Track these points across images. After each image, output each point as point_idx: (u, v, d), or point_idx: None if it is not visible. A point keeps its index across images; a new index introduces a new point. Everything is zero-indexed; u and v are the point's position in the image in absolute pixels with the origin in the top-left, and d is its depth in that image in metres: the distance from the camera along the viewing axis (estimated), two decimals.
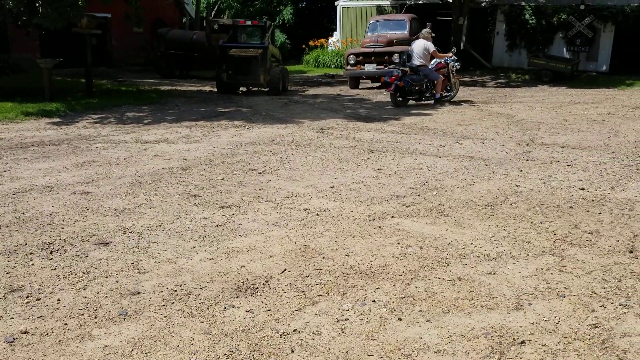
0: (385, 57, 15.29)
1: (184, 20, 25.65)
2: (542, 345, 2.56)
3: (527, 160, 6.37)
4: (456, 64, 11.76)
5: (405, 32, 15.96)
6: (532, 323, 2.77)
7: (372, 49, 15.61)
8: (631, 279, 3.24)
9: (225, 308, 2.95)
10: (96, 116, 10.03)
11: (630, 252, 3.65)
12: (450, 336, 2.66)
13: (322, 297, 3.08)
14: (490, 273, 3.37)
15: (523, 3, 18.93)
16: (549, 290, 3.13)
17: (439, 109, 10.94)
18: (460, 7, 18.29)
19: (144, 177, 5.69)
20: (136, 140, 7.78)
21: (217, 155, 6.76)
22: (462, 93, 14.32)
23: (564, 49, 18.18)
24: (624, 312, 2.86)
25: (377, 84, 16.71)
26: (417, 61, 11.37)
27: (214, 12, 27.98)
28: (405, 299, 3.05)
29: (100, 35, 17.18)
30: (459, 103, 11.85)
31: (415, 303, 3.00)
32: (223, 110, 11.02)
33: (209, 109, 11.20)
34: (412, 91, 11.27)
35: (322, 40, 25.27)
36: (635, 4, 17.00)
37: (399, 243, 3.89)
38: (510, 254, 3.67)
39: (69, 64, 15.29)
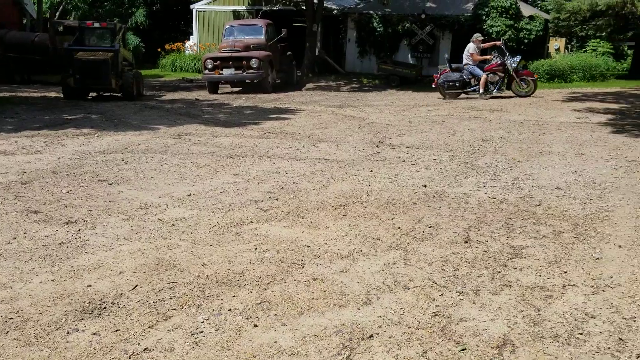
0: (243, 62, 15.28)
1: (24, 21, 23.53)
2: (389, 337, 2.72)
3: (377, 160, 6.73)
4: (513, 60, 13.29)
5: (261, 38, 16.07)
6: (380, 317, 2.93)
7: (230, 54, 15.51)
8: (466, 267, 3.56)
9: (68, 333, 2.74)
10: None
11: (466, 242, 4.00)
12: (304, 337, 2.72)
13: (176, 311, 2.99)
14: (343, 271, 3.51)
15: (371, 12, 20.00)
16: (395, 283, 3.33)
17: (297, 113, 11.17)
18: (314, 15, 18.84)
19: None
20: None
21: (62, 167, 6.28)
22: (319, 97, 14.80)
23: (409, 55, 19.52)
24: (460, 299, 3.13)
25: (237, 89, 16.65)
26: (464, 60, 13.61)
27: (58, 13, 25.93)
28: (261, 305, 3.06)
29: None
30: (314, 109, 12.19)
31: (271, 308, 3.03)
32: (70, 117, 10.27)
33: (53, 116, 10.37)
34: (448, 86, 13.56)
35: (179, 43, 24.60)
36: (469, 14, 18.74)
37: (256, 248, 3.90)
38: (361, 251, 3.85)
39: None
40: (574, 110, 11.33)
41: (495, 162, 6.58)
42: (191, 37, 24.31)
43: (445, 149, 7.44)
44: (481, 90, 13.27)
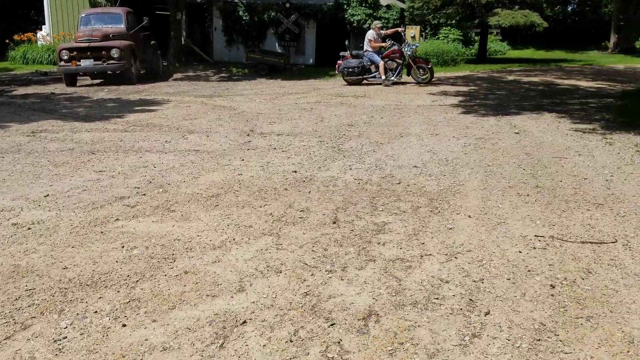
0: (103, 52, 14.42)
1: None
2: (262, 321, 2.78)
3: (248, 149, 6.75)
4: (408, 49, 13.58)
5: (121, 26, 15.26)
6: (253, 302, 2.97)
7: (87, 44, 14.56)
8: (335, 247, 3.72)
9: None
10: None
11: (334, 222, 4.18)
12: (177, 331, 2.69)
13: (36, 319, 2.80)
14: (216, 261, 3.51)
15: (236, 0, 19.80)
16: (268, 268, 3.40)
17: (164, 104, 10.81)
18: (177, 2, 18.25)
19: None
20: None
21: None
22: (187, 87, 14.42)
23: (276, 44, 19.66)
24: (330, 277, 3.27)
25: (98, 81, 15.70)
26: (364, 47, 13.96)
27: None
28: (130, 304, 2.97)
29: None
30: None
31: (141, 305, 2.95)
32: None
33: None
34: (348, 72, 13.91)
35: (30, 34, 22.53)
36: (331, 3, 19.26)
37: (123, 246, 3.76)
38: (234, 239, 3.86)
39: None
40: (430, 94, 12.15)
41: (360, 145, 6.89)
42: (43, 26, 22.41)
43: (314, 135, 7.64)
44: (383, 77, 13.60)
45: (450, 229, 4.00)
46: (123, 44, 14.68)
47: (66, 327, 2.73)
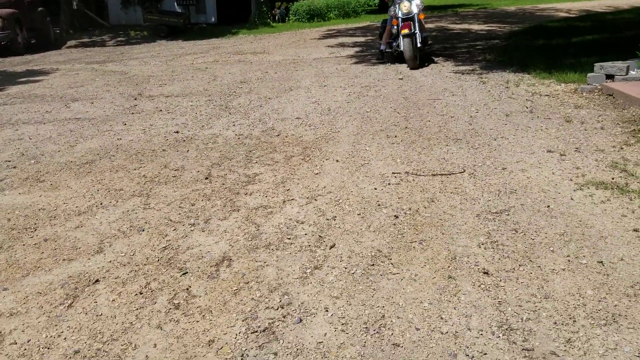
0: None
1: None
2: (115, 278, 2.83)
3: (133, 113, 6.61)
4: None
5: None
6: (110, 262, 3.01)
7: None
8: (202, 201, 3.79)
9: None
10: None
11: (206, 178, 4.24)
12: (27, 297, 2.70)
13: None
14: (78, 227, 3.49)
15: None
16: (131, 228, 3.43)
17: (52, 74, 10.28)
18: None
19: None
20: None
21: None
22: (80, 55, 13.74)
23: (175, 4, 18.95)
24: (192, 230, 3.35)
25: None
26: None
27: None
28: None
29: None
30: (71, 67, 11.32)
31: None
32: None
33: None
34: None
35: None
36: None
37: None
38: (101, 204, 3.85)
39: None
40: (328, 46, 12.24)
41: (248, 101, 6.92)
42: None
43: (204, 94, 7.57)
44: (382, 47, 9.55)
45: (317, 174, 4.17)
46: (6, 12, 13.72)
47: None
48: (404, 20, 8.39)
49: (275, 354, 2.17)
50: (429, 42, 9.39)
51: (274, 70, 9.22)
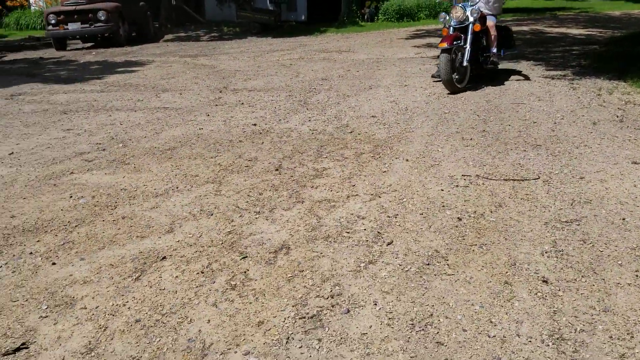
0: (90, 15, 14.48)
1: None
2: (181, 257, 2.99)
3: (216, 105, 6.89)
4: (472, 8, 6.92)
5: None
6: (178, 241, 3.18)
7: (74, 7, 14.61)
8: (270, 191, 3.90)
9: None
10: None
11: (276, 170, 4.35)
12: (100, 268, 2.92)
13: None
14: (154, 207, 3.71)
15: None
16: (201, 212, 3.60)
17: (147, 65, 10.91)
18: None
19: None
20: None
21: None
22: (175, 48, 14.45)
23: (268, 2, 19.45)
24: (256, 218, 3.46)
25: (89, 44, 15.80)
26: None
27: None
28: (64, 245, 3.19)
29: None
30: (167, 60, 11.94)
31: (74, 247, 3.17)
32: None
33: None
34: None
35: None
36: None
37: (71, 196, 3.97)
38: (177, 188, 4.06)
39: None
40: (414, 46, 12.10)
41: (327, 98, 7.00)
42: None
43: (285, 89, 7.74)
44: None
45: (385, 172, 4.16)
46: (110, 6, 14.69)
47: (1, 267, 2.96)
48: (455, 29, 6.89)
49: (320, 340, 2.21)
50: (496, 60, 7.28)
51: (356, 69, 9.25)
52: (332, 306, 2.43)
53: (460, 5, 6.86)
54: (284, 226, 3.31)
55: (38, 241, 3.27)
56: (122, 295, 2.64)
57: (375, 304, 2.42)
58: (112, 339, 2.30)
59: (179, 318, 2.42)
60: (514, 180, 3.83)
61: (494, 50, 7.22)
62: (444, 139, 4.94)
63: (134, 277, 2.80)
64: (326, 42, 13.73)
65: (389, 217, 3.34)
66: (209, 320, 2.39)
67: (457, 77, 6.81)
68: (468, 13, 6.82)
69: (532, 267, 2.63)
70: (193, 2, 21.00)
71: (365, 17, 19.16)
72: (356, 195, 3.73)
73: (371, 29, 16.96)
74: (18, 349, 2.24)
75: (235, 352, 2.18)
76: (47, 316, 2.48)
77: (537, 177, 3.86)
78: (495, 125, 5.28)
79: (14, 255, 3.10)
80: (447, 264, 2.73)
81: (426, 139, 4.97)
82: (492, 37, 7.17)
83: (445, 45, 6.61)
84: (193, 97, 7.45)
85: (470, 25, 6.82)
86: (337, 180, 4.03)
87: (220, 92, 7.79)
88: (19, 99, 7.78)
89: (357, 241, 3.05)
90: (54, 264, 2.98)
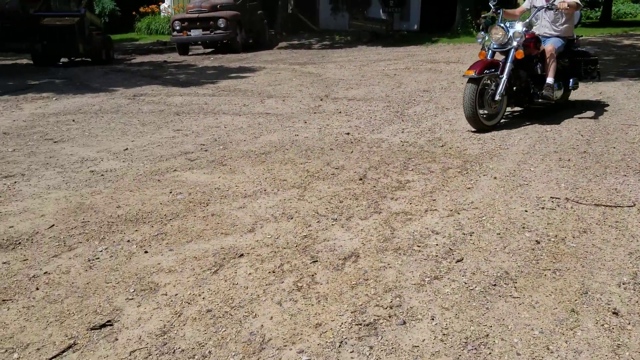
0: (210, 22, 15.48)
1: None
2: (257, 256, 3.18)
3: (315, 113, 7.12)
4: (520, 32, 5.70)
5: None
6: (257, 241, 3.38)
7: (197, 15, 15.69)
8: (350, 200, 4.00)
9: None
10: None
11: (360, 179, 4.44)
12: (185, 259, 3.18)
13: (81, 244, 3.43)
14: (241, 207, 3.95)
15: None
16: (283, 215, 3.78)
17: (257, 72, 11.47)
18: None
19: None
20: None
21: (15, 128, 6.66)
22: (286, 56, 15.02)
23: (381, 11, 19.60)
24: (332, 225, 3.58)
25: (210, 50, 16.87)
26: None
27: None
28: (157, 236, 3.51)
29: None
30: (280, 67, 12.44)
31: (165, 238, 3.48)
32: (33, 82, 10.56)
33: (17, 82, 10.66)
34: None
35: (154, 6, 24.58)
36: None
37: (171, 192, 4.33)
38: (265, 190, 4.29)
39: None
40: None
41: (425, 110, 6.97)
42: None
43: (384, 100, 7.81)
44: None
45: (469, 188, 4.10)
46: (229, 14, 15.61)
47: (101, 251, 3.33)
48: (495, 52, 5.82)
49: (371, 347, 2.27)
50: (550, 94, 5.88)
51: (460, 81, 9.09)
52: (390, 316, 2.48)
53: (502, 25, 5.65)
54: (358, 235, 3.39)
55: (136, 230, 3.61)
56: (200, 286, 2.86)
57: (433, 319, 2.44)
58: (184, 325, 2.52)
59: (245, 312, 2.59)
60: (606, 206, 3.62)
61: (550, 80, 5.88)
62: (540, 158, 4.75)
63: (213, 271, 3.02)
64: (435, 53, 13.58)
65: (464, 234, 3.31)
66: (271, 317, 2.54)
67: (485, 112, 5.64)
68: (511, 34, 5.59)
69: (605, 298, 2.50)
70: (308, 11, 21.68)
71: (481, 27, 18.65)
72: (435, 210, 3.72)
73: None
74: (104, 325, 2.52)
75: (291, 349, 2.30)
76: (132, 299, 2.76)
77: (632, 204, 3.62)
78: (599, 147, 4.99)
79: (114, 241, 3.46)
80: (515, 287, 2.67)
81: (520, 157, 4.81)
82: (549, 64, 5.92)
83: (472, 73, 5.42)
84: (295, 104, 7.74)
85: (512, 50, 5.62)
86: (418, 194, 4.04)
87: (321, 100, 8.02)
88: (140, 99, 8.53)
89: (426, 255, 3.06)
90: (146, 252, 3.29)
